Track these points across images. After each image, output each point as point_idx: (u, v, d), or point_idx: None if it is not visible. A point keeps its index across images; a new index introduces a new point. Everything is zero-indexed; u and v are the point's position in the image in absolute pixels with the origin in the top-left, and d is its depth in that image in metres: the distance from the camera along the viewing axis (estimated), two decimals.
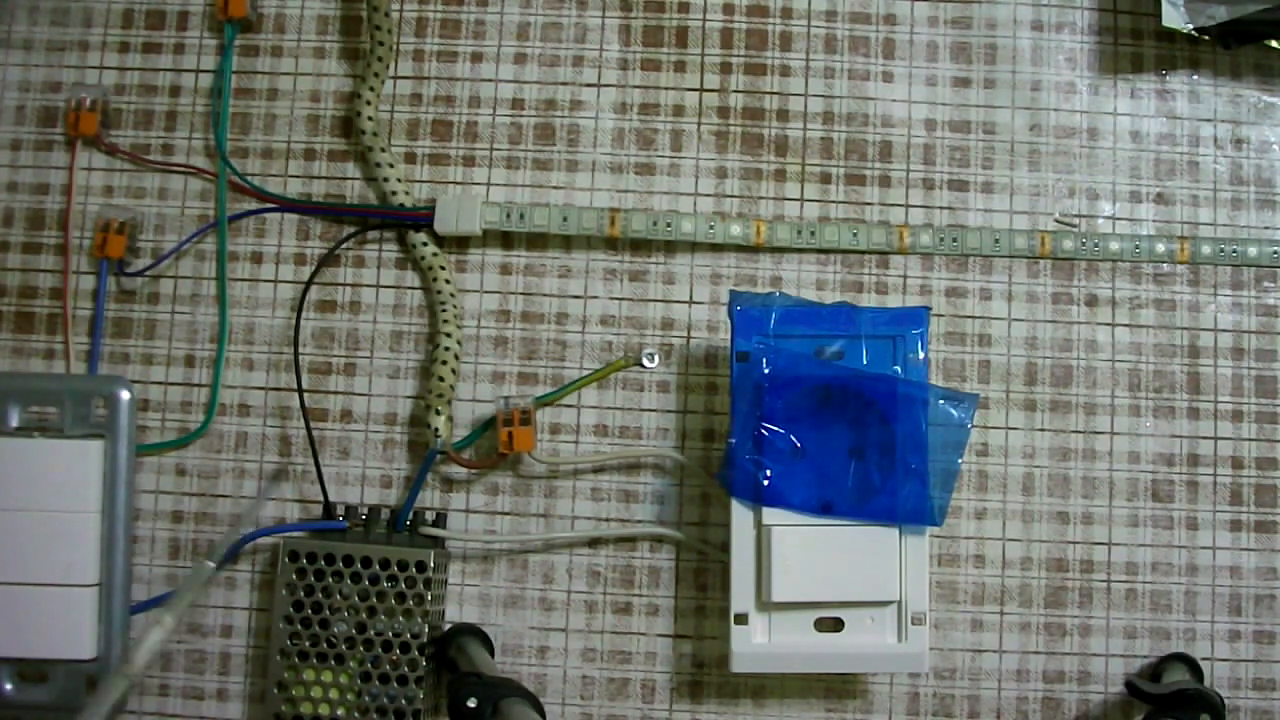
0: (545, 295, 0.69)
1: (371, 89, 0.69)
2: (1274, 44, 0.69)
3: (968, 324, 0.69)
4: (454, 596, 0.67)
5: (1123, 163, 0.70)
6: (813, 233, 0.68)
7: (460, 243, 0.69)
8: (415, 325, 0.69)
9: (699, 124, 0.70)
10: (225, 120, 0.70)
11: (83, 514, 0.62)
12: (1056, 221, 0.70)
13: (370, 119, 0.68)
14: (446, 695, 0.57)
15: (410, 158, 0.70)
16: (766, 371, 0.60)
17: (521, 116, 0.70)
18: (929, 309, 0.63)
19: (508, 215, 0.68)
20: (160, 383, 0.69)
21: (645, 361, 0.68)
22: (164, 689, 0.67)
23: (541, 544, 0.67)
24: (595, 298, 0.69)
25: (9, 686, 0.62)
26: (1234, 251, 0.69)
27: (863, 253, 0.69)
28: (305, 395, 0.67)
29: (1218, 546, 0.67)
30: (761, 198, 0.69)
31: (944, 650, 0.66)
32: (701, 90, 0.70)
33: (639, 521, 0.67)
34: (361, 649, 0.62)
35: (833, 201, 0.69)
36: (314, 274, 0.68)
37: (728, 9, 0.71)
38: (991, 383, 0.68)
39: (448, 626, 0.66)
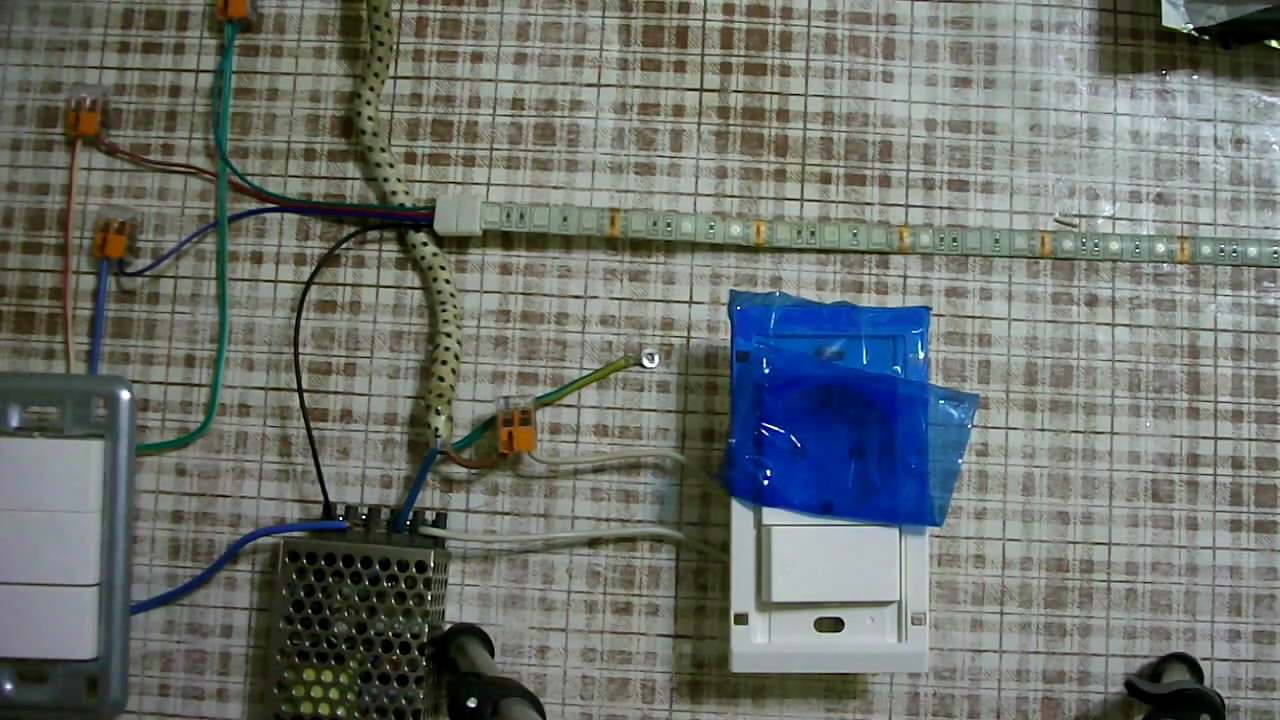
0: (545, 295, 0.69)
1: (371, 89, 0.69)
2: (1274, 44, 0.69)
3: (968, 324, 0.69)
4: (454, 596, 0.67)
5: (1123, 163, 0.70)
6: (813, 233, 0.68)
7: (460, 243, 0.69)
8: (415, 325, 0.69)
9: (699, 124, 0.70)
10: (225, 120, 0.70)
11: (83, 514, 0.62)
12: (1056, 221, 0.70)
13: (370, 119, 0.68)
14: (446, 695, 0.57)
15: (410, 158, 0.70)
16: (766, 371, 0.60)
17: (521, 116, 0.70)
18: (929, 309, 0.63)
19: (508, 215, 0.68)
20: (160, 383, 0.69)
21: (645, 361, 0.68)
22: (164, 689, 0.67)
23: (541, 544, 0.67)
24: (595, 298, 0.69)
25: (9, 686, 0.62)
26: (1234, 251, 0.69)
27: (863, 253, 0.69)
28: (305, 395, 0.67)
29: (1218, 546, 0.67)
30: (761, 198, 0.69)
31: (944, 650, 0.66)
32: (701, 90, 0.70)
33: (639, 521, 0.67)
34: (361, 649, 0.62)
35: (833, 201, 0.69)
36: (314, 274, 0.68)
37: (728, 9, 0.71)
38: (991, 383, 0.68)
39: (448, 626, 0.66)
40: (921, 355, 0.61)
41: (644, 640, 0.67)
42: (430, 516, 0.66)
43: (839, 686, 0.66)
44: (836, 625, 0.60)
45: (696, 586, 0.67)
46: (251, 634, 0.67)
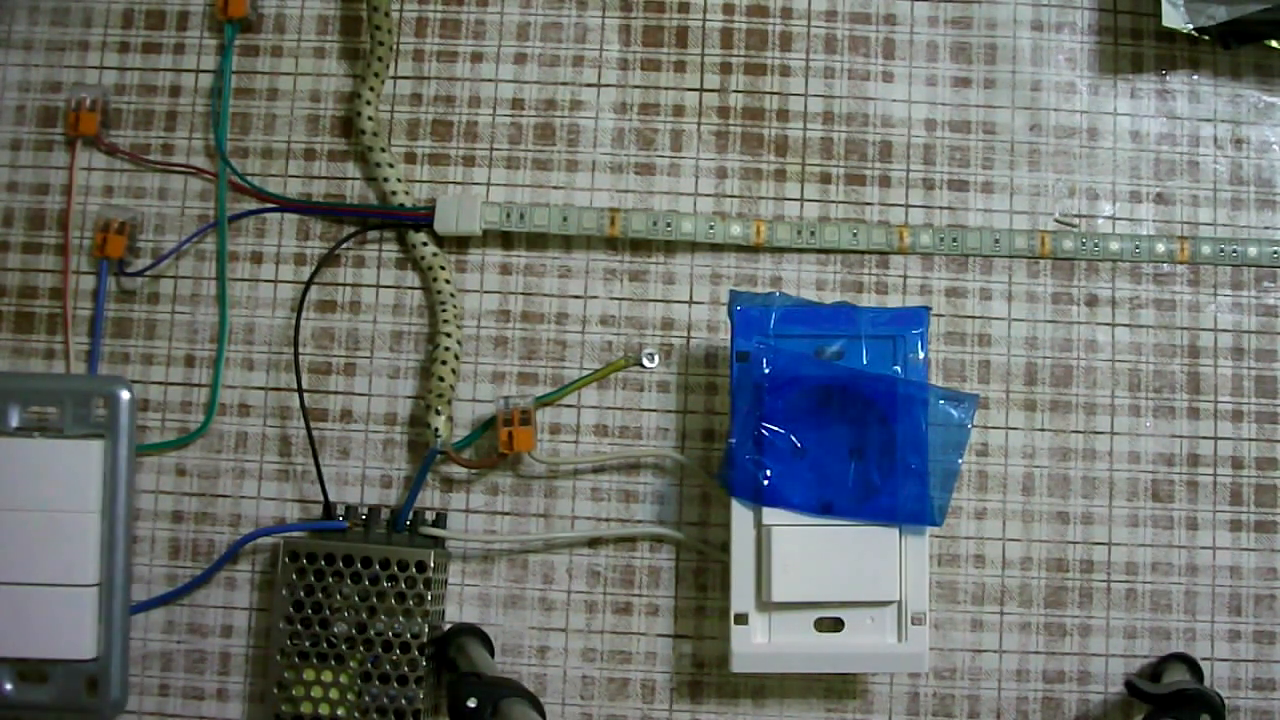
0: (545, 295, 0.69)
1: (371, 89, 0.69)
2: (1274, 44, 0.69)
3: (968, 324, 0.69)
4: (454, 596, 0.67)
5: (1123, 163, 0.70)
6: (813, 233, 0.68)
7: (460, 243, 0.69)
8: (415, 325, 0.69)
9: (699, 124, 0.70)
10: (225, 120, 0.70)
11: (83, 514, 0.62)
12: (1056, 221, 0.70)
13: (370, 119, 0.68)
14: (446, 695, 0.57)
15: (410, 158, 0.70)
16: (766, 371, 0.60)
17: (521, 116, 0.70)
18: (929, 309, 0.63)
19: (508, 215, 0.68)
20: (160, 383, 0.69)
21: (645, 361, 0.68)
22: (164, 689, 0.67)
23: (541, 544, 0.67)
24: (595, 298, 0.69)
25: (9, 686, 0.62)
26: (1234, 251, 0.69)
27: (863, 253, 0.69)
28: (305, 395, 0.67)
29: (1218, 546, 0.67)
30: (761, 198, 0.69)
31: (944, 650, 0.66)
32: (701, 90, 0.70)
33: (639, 521, 0.67)
34: (361, 649, 0.62)
35: (833, 201, 0.69)
36: (314, 274, 0.68)
37: (728, 9, 0.71)
38: (991, 383, 0.68)
39: (448, 626, 0.66)
40: (921, 355, 0.61)
41: (644, 640, 0.67)
42: (430, 516, 0.66)
43: (839, 686, 0.66)
44: (836, 625, 0.60)
45: (696, 586, 0.67)
46: (251, 634, 0.67)
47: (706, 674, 0.67)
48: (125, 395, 0.63)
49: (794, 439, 0.60)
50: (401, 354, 0.69)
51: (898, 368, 0.61)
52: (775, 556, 0.59)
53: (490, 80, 0.70)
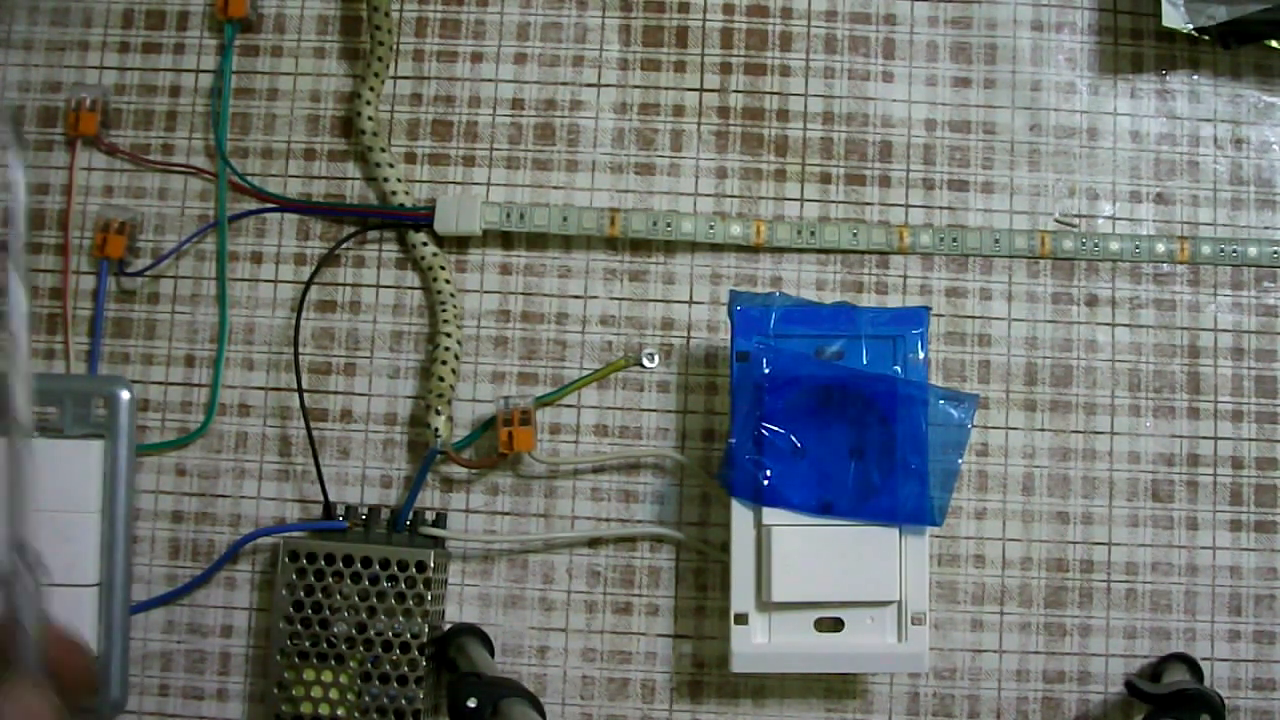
0: (545, 295, 0.69)
1: (371, 89, 0.69)
2: (1274, 44, 0.69)
3: (968, 324, 0.69)
4: (454, 596, 0.67)
5: (1123, 163, 0.70)
6: (813, 233, 0.68)
7: (460, 243, 0.69)
8: (415, 325, 0.69)
9: (699, 124, 0.70)
10: (225, 120, 0.70)
11: (83, 514, 0.62)
12: (1056, 221, 0.70)
13: (370, 119, 0.68)
14: (446, 695, 0.57)
15: (410, 158, 0.70)
16: (766, 371, 0.60)
17: (521, 116, 0.70)
18: (929, 309, 0.63)
19: (508, 215, 0.68)
20: (160, 383, 0.69)
21: (645, 361, 0.68)
22: (164, 689, 0.67)
23: (541, 544, 0.67)
24: (595, 298, 0.69)
25: None
26: (1234, 251, 0.69)
27: (863, 253, 0.69)
28: (305, 395, 0.67)
29: (1218, 546, 0.67)
30: (761, 198, 0.69)
31: (944, 650, 0.66)
32: (701, 90, 0.70)
33: (639, 521, 0.67)
34: (361, 649, 0.62)
35: (833, 201, 0.69)
36: (314, 274, 0.68)
37: (728, 9, 0.71)
38: (991, 383, 0.68)
39: (448, 626, 0.66)
40: (921, 355, 0.61)
41: (644, 640, 0.67)
42: (430, 516, 0.66)
43: (839, 686, 0.66)
44: (836, 625, 0.60)
45: (696, 586, 0.67)
46: (251, 634, 0.67)
47: (706, 674, 0.67)
48: (125, 395, 0.63)
49: (794, 439, 0.60)
50: (401, 354, 0.69)
51: (898, 368, 0.61)
52: (775, 556, 0.59)
53: (490, 80, 0.70)
